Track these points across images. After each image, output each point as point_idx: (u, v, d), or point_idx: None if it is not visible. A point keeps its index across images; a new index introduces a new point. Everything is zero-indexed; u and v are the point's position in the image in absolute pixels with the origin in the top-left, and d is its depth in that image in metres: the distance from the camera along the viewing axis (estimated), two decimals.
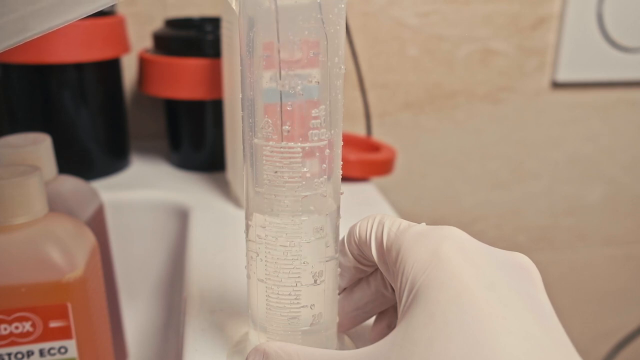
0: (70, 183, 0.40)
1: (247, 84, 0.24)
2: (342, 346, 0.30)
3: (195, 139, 0.58)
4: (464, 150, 0.76)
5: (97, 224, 0.42)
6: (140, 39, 0.64)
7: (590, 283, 0.87)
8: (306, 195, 0.24)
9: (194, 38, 0.54)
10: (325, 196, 0.25)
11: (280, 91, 0.23)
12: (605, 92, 0.77)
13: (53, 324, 0.30)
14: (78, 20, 0.53)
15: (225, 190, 0.53)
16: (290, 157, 0.23)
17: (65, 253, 0.29)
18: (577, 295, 0.88)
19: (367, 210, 0.50)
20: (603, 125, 0.79)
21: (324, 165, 0.24)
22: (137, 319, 0.54)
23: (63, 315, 0.30)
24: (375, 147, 0.60)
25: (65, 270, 0.29)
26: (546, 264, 0.85)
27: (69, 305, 0.30)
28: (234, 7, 0.24)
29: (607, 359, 0.91)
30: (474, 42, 0.71)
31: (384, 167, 0.57)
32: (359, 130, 0.67)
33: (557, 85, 0.75)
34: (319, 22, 0.22)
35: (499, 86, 0.74)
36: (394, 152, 0.58)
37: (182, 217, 0.52)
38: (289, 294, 0.25)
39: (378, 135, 0.71)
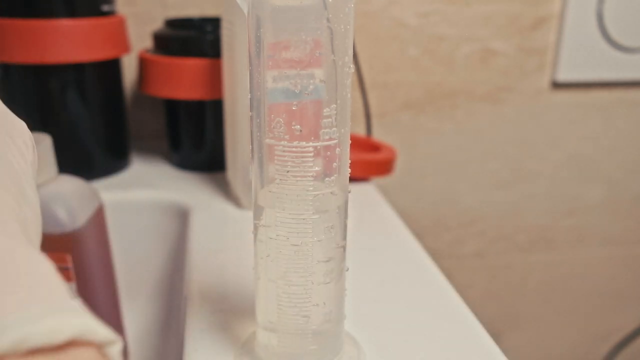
0: (70, 183, 0.40)
1: (256, 84, 0.24)
2: (346, 345, 0.30)
3: (195, 139, 0.58)
4: (464, 150, 0.76)
5: (97, 224, 0.42)
6: (140, 39, 0.64)
7: (590, 283, 0.87)
8: (317, 194, 0.24)
9: (194, 38, 0.54)
10: (335, 194, 0.25)
11: (292, 91, 0.23)
12: (605, 92, 0.77)
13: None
14: (78, 20, 0.53)
15: (225, 190, 0.53)
16: (302, 157, 0.23)
17: (70, 211, 0.35)
18: (577, 295, 0.88)
19: (367, 210, 0.50)
20: (603, 125, 0.79)
21: (335, 164, 0.24)
22: (137, 319, 0.54)
23: (63, 261, 0.36)
24: (375, 147, 0.60)
25: (68, 225, 0.35)
26: (546, 264, 0.85)
27: (69, 257, 0.36)
28: (243, 7, 0.24)
29: (607, 359, 0.91)
30: (474, 42, 0.71)
31: (384, 167, 0.57)
32: (359, 130, 0.67)
33: (557, 85, 0.75)
34: (327, 22, 0.23)
35: (499, 86, 0.74)
36: (394, 152, 0.58)
37: (182, 217, 0.52)
38: (301, 293, 0.25)
39: (378, 135, 0.71)
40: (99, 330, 0.16)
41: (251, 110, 0.25)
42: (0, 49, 0.50)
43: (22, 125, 0.23)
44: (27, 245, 0.18)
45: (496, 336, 0.32)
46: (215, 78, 0.54)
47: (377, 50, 0.69)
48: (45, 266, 0.17)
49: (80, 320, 0.15)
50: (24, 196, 0.20)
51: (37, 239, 0.21)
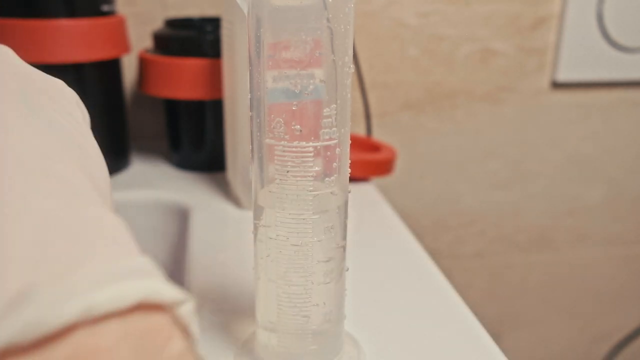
0: None
1: (256, 84, 0.24)
2: (346, 345, 0.30)
3: (195, 139, 0.58)
4: (464, 150, 0.76)
5: None
6: (140, 39, 0.64)
7: (590, 283, 0.87)
8: (317, 194, 0.24)
9: (194, 38, 0.54)
10: (335, 194, 0.25)
11: (292, 91, 0.23)
12: (605, 92, 0.77)
13: None
14: (78, 20, 0.53)
15: (225, 190, 0.53)
16: (302, 157, 0.23)
17: None
18: (577, 295, 0.88)
19: (367, 210, 0.50)
20: (603, 125, 0.79)
21: (335, 164, 0.24)
22: None
23: None
24: (375, 147, 0.60)
25: None
26: (546, 264, 0.85)
27: None
28: (243, 7, 0.24)
29: (607, 359, 0.91)
30: (474, 42, 0.71)
31: (384, 167, 0.57)
32: (359, 130, 0.67)
33: (557, 85, 0.75)
34: (327, 22, 0.23)
35: (499, 86, 0.74)
36: (394, 152, 0.58)
37: (182, 217, 0.52)
38: (301, 293, 0.25)
39: (378, 135, 0.71)
40: (164, 291, 0.15)
41: (251, 110, 0.25)
42: None
43: (61, 84, 0.22)
44: (97, 203, 0.17)
45: (496, 336, 0.32)
46: (215, 78, 0.54)
47: (377, 50, 0.69)
48: (112, 222, 0.17)
49: (144, 283, 0.15)
50: (86, 154, 0.20)
51: (108, 194, 0.21)
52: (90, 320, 0.14)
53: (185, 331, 0.16)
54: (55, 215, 0.16)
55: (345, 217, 0.26)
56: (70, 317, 0.13)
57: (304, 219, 0.24)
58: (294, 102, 0.23)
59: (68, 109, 0.21)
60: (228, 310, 0.34)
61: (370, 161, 0.56)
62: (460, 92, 0.73)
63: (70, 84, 0.56)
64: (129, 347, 0.14)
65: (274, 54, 0.23)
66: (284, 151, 0.24)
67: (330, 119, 0.24)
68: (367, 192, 0.55)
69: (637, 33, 0.73)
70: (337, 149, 0.24)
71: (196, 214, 0.49)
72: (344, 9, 0.23)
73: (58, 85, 0.22)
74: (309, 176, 0.24)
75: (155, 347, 0.15)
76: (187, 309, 0.16)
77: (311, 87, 0.23)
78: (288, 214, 0.24)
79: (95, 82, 0.54)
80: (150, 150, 0.65)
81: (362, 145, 0.61)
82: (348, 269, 0.28)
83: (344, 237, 0.26)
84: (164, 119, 0.63)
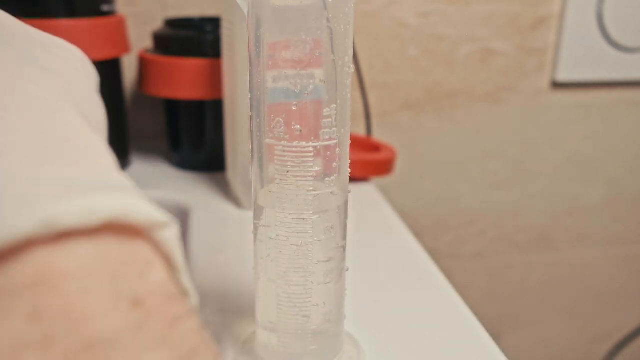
0: None
1: (256, 84, 0.24)
2: (346, 345, 0.30)
3: (195, 139, 0.58)
4: (464, 150, 0.76)
5: None
6: (140, 39, 0.64)
7: (590, 283, 0.87)
8: (317, 194, 0.24)
9: (194, 38, 0.54)
10: (335, 194, 0.25)
11: (292, 91, 0.23)
12: (605, 92, 0.77)
13: None
14: (78, 20, 0.53)
15: (225, 190, 0.53)
16: (302, 157, 0.23)
17: None
18: (577, 295, 0.88)
19: (367, 210, 0.50)
20: (603, 125, 0.79)
21: (335, 164, 0.24)
22: None
23: None
24: (375, 147, 0.60)
25: None
26: (546, 264, 0.85)
27: None
28: (243, 7, 0.24)
29: (607, 359, 0.91)
30: (474, 42, 0.71)
31: (384, 167, 0.57)
32: (359, 130, 0.67)
33: (557, 85, 0.75)
34: (327, 22, 0.23)
35: (499, 86, 0.74)
36: (394, 152, 0.58)
37: (182, 217, 0.52)
38: (301, 293, 0.25)
39: (378, 135, 0.71)
40: (141, 209, 0.13)
41: (251, 110, 0.25)
42: None
43: (62, 41, 0.19)
44: (79, 118, 0.15)
45: (496, 336, 0.32)
46: (215, 78, 0.54)
47: (377, 50, 0.69)
48: (93, 137, 0.14)
49: (117, 199, 0.12)
50: (79, 91, 0.17)
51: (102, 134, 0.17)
52: (52, 237, 0.11)
53: (167, 259, 0.14)
54: (20, 118, 0.13)
55: (345, 217, 0.26)
56: (25, 229, 0.11)
57: (304, 219, 0.24)
58: (294, 102, 0.23)
59: (66, 56, 0.18)
60: (228, 310, 0.34)
61: (370, 161, 0.56)
62: (460, 92, 0.73)
63: None
64: (103, 274, 0.12)
65: (274, 54, 0.23)
66: (284, 151, 0.24)
67: (330, 119, 0.24)
68: (367, 192, 0.55)
69: (637, 33, 0.73)
70: (337, 149, 0.24)
71: (196, 214, 0.49)
72: (344, 9, 0.23)
73: (57, 41, 0.19)
74: (309, 176, 0.24)
75: (133, 276, 0.12)
76: (170, 234, 0.14)
77: (311, 87, 0.23)
78: (288, 214, 0.24)
79: None
80: (150, 150, 0.65)
81: (362, 145, 0.61)
82: (348, 269, 0.28)
83: (344, 237, 0.26)
84: (164, 119, 0.63)
